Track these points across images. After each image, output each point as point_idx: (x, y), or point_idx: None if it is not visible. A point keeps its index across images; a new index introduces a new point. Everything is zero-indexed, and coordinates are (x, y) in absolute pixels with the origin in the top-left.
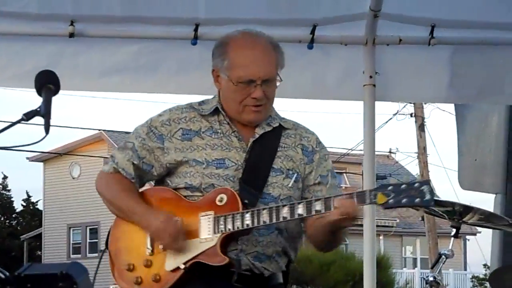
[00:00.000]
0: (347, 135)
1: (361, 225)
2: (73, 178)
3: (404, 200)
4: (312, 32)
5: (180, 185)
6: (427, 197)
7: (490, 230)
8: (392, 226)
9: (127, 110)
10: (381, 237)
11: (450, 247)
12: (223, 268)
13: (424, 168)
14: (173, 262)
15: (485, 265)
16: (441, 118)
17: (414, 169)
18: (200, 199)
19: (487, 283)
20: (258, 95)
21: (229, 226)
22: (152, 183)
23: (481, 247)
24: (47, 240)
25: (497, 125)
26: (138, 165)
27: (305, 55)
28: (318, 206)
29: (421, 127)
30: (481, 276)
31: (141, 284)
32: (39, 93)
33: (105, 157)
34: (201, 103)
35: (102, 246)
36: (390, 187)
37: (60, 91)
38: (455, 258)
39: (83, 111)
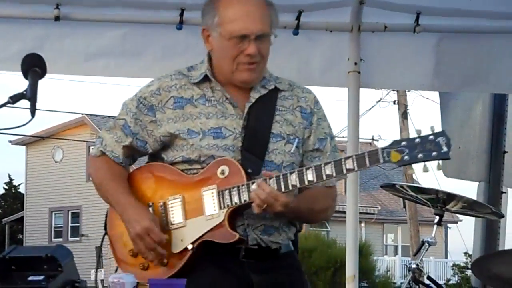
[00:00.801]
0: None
1: (343, 212)
2: (56, 162)
3: (420, 155)
4: (298, 18)
5: (176, 158)
6: (444, 149)
7: (472, 218)
8: (373, 214)
9: (110, 94)
10: (362, 225)
11: (433, 235)
12: (230, 244)
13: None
14: (180, 244)
15: (465, 253)
16: (424, 105)
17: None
18: (200, 172)
19: (468, 271)
20: (252, 51)
21: (235, 200)
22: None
23: (462, 235)
24: (28, 224)
25: (481, 114)
26: (130, 144)
27: (290, 41)
28: (328, 170)
29: (404, 115)
30: (462, 264)
31: (148, 269)
32: (25, 76)
33: (87, 141)
34: (190, 68)
35: (83, 230)
36: (403, 143)
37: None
38: (436, 246)
39: (66, 95)
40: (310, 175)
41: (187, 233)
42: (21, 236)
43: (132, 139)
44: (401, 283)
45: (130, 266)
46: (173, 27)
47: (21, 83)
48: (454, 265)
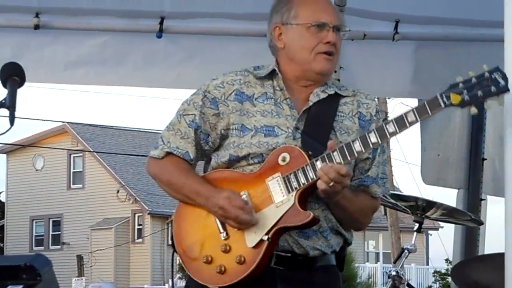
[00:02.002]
0: None
1: None
2: (37, 170)
3: (479, 93)
4: None
5: (224, 157)
6: (502, 82)
7: (452, 225)
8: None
9: (91, 102)
10: None
11: (413, 242)
12: (304, 225)
13: (387, 162)
14: (254, 237)
15: (446, 260)
16: None
17: None
18: (261, 166)
19: (449, 278)
20: (332, 39)
21: (302, 180)
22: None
23: (443, 242)
24: (9, 232)
25: (460, 121)
26: (196, 138)
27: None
28: (391, 128)
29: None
30: (443, 271)
31: (226, 272)
32: (4, 85)
33: (69, 149)
34: (256, 68)
35: (64, 239)
36: (460, 85)
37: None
38: (417, 253)
39: (46, 103)
40: (373, 138)
41: (259, 225)
42: (1, 244)
43: (197, 132)
44: None
45: (207, 275)
46: (153, 36)
47: (0, 92)
48: (435, 271)
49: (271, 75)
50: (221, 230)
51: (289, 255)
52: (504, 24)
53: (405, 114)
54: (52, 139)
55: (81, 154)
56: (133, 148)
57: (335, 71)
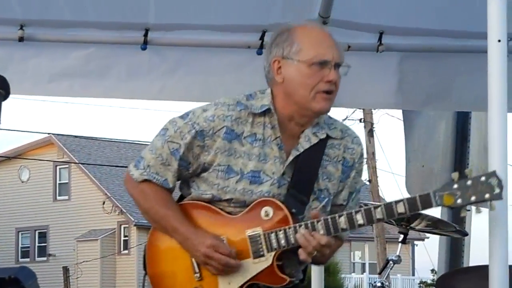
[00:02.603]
0: None
1: None
2: (22, 182)
3: (473, 198)
4: (261, 38)
5: (206, 194)
6: (496, 190)
7: (438, 236)
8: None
9: (77, 113)
10: None
11: (397, 253)
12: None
13: (373, 173)
14: (228, 287)
15: (432, 271)
16: (390, 123)
17: (363, 174)
18: (242, 213)
19: None
20: (333, 77)
21: (283, 243)
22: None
23: (429, 252)
24: None
25: (445, 132)
26: (177, 167)
27: (254, 61)
28: (378, 214)
29: (370, 133)
30: (429, 282)
31: None
32: None
33: (54, 161)
34: (249, 97)
35: (50, 250)
36: (455, 186)
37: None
38: (403, 264)
39: (32, 114)
40: (360, 219)
41: (235, 277)
42: None
43: (179, 162)
44: None
45: None
46: (138, 47)
47: None
48: (421, 282)
49: (265, 112)
50: (196, 271)
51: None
52: (488, 36)
53: (396, 203)
54: (38, 151)
55: (67, 166)
56: (119, 159)
57: None
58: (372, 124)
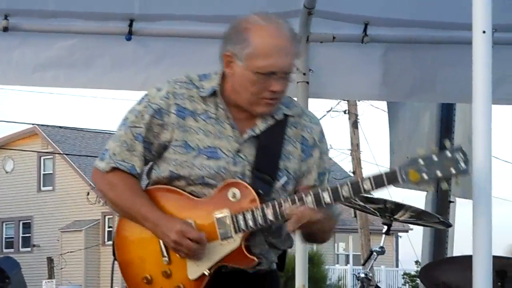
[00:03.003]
0: None
1: None
2: (6, 172)
3: (438, 173)
4: None
5: (165, 172)
6: (462, 165)
7: (422, 227)
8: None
9: (61, 104)
10: None
11: (381, 244)
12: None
13: (357, 164)
14: (196, 270)
15: (416, 262)
16: (375, 115)
17: (347, 166)
18: (210, 195)
19: (418, 279)
20: (278, 89)
21: (251, 224)
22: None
23: (412, 244)
24: None
25: (429, 123)
26: (142, 150)
27: None
28: (345, 192)
29: (354, 124)
30: (413, 273)
31: None
32: None
33: (39, 151)
34: (202, 77)
35: (35, 241)
36: (421, 161)
37: None
38: (387, 255)
39: (16, 105)
40: (327, 197)
41: (203, 259)
42: None
43: (143, 144)
44: None
45: None
46: (122, 38)
47: None
48: (405, 273)
49: (213, 94)
50: (164, 254)
51: (228, 270)
52: (473, 27)
53: (362, 181)
54: (22, 141)
55: (51, 156)
56: None
57: (304, 74)
58: (356, 115)
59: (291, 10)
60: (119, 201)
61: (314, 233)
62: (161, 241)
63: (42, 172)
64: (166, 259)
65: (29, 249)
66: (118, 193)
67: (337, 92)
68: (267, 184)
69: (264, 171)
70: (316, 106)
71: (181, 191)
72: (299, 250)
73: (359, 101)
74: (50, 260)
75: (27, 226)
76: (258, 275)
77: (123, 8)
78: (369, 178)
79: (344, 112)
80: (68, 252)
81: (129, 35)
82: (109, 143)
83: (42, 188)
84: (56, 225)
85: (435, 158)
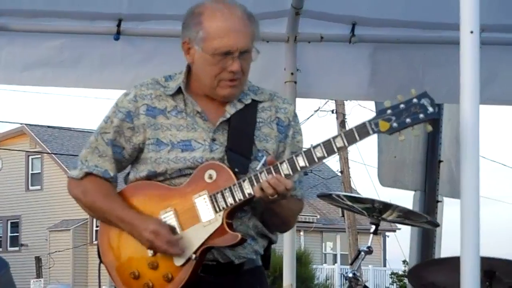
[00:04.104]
0: None
1: None
2: None
3: (408, 120)
4: None
5: (142, 173)
6: (430, 109)
7: (409, 227)
8: (312, 222)
9: (49, 104)
10: (301, 233)
11: (369, 244)
12: (233, 246)
13: (344, 164)
14: (182, 255)
15: (404, 262)
16: (362, 115)
17: (335, 165)
18: (187, 181)
19: (406, 279)
20: (236, 68)
21: (230, 201)
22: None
23: (400, 243)
24: None
25: None
26: (112, 155)
27: None
28: (318, 153)
29: (342, 124)
30: (400, 273)
31: None
32: None
33: (27, 151)
34: (168, 78)
35: (23, 240)
36: (389, 111)
37: None
38: (375, 255)
39: (4, 104)
40: (301, 162)
41: (187, 243)
42: None
43: (112, 147)
44: None
45: None
46: (110, 37)
47: None
48: (392, 273)
49: (179, 91)
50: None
51: (215, 263)
52: (460, 27)
53: (334, 138)
54: (10, 141)
55: (39, 156)
56: None
57: (292, 74)
58: (344, 115)
59: (278, 10)
60: (94, 206)
61: (281, 213)
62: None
63: (30, 172)
64: (151, 251)
65: (17, 248)
66: (93, 198)
67: (324, 92)
68: (242, 163)
69: (238, 151)
70: (304, 105)
71: (158, 183)
72: (287, 250)
73: (346, 101)
74: (38, 260)
75: (15, 226)
76: (244, 271)
77: (111, 8)
78: (340, 135)
79: (332, 111)
80: (56, 252)
81: (117, 35)
82: (82, 152)
83: (30, 188)
84: (44, 224)
85: (402, 106)
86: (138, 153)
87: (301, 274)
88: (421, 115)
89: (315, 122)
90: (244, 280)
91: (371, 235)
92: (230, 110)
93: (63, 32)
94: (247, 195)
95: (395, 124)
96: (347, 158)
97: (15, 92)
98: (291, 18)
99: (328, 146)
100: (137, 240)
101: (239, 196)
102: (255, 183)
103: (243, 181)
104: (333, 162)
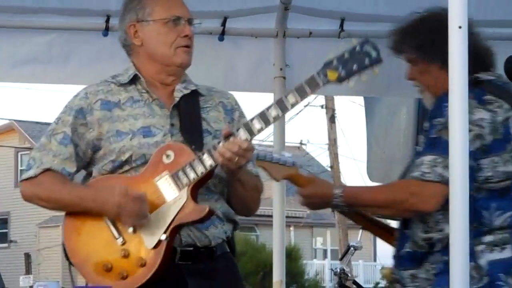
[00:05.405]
0: None
1: (272, 216)
2: None
3: (354, 67)
4: (223, 24)
5: (106, 165)
6: (373, 53)
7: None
8: (302, 217)
9: (39, 100)
10: (291, 228)
11: (358, 239)
12: (202, 219)
13: (334, 159)
14: (152, 238)
15: None
16: (352, 110)
17: (325, 160)
18: (146, 167)
19: None
20: (189, 32)
21: (192, 175)
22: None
23: None
24: None
25: (406, 118)
26: (69, 153)
27: (215, 47)
28: (273, 112)
29: (331, 119)
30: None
31: (129, 277)
32: None
33: (16, 147)
34: (115, 76)
35: (12, 237)
36: (335, 62)
37: None
38: (365, 250)
39: None
40: (257, 124)
41: (155, 225)
42: None
43: (68, 147)
44: (330, 287)
45: (110, 282)
46: (99, 34)
47: None
48: (382, 268)
49: (133, 80)
50: (117, 236)
51: (192, 249)
52: (448, 22)
53: (286, 96)
54: None
55: (28, 152)
56: None
57: (281, 69)
58: (333, 110)
59: (268, 6)
60: (53, 195)
61: (244, 187)
62: (110, 225)
63: (19, 168)
64: (120, 239)
65: (6, 244)
66: (51, 188)
67: None
68: (197, 143)
69: (191, 132)
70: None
71: (117, 175)
72: (277, 245)
73: (336, 96)
74: (27, 256)
75: (4, 222)
76: (218, 256)
77: (100, 4)
78: (291, 91)
79: (321, 106)
80: (45, 248)
81: (106, 31)
82: (34, 154)
83: (20, 184)
84: (34, 220)
85: (347, 55)
86: (94, 151)
87: (291, 269)
88: (367, 60)
89: (305, 117)
90: (219, 264)
91: (361, 230)
92: (178, 95)
93: (52, 28)
94: (208, 167)
95: (343, 72)
96: (336, 153)
97: (4, 88)
98: (280, 14)
99: (281, 104)
100: (103, 226)
101: (200, 169)
102: (213, 153)
103: (202, 154)
104: (323, 157)
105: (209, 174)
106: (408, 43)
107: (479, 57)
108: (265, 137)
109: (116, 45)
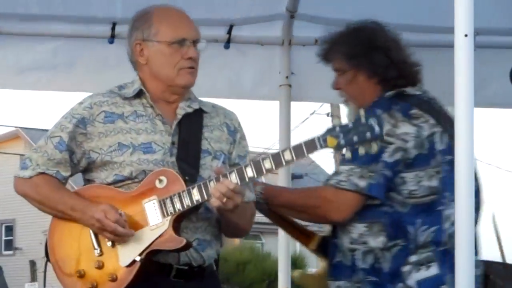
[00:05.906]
0: (263, 135)
1: None
2: None
3: (355, 138)
4: (229, 32)
5: (108, 178)
6: (377, 129)
7: None
8: (307, 225)
9: (45, 107)
10: None
11: None
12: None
13: (338, 166)
14: (128, 256)
15: None
16: None
17: (330, 168)
18: (138, 186)
19: None
20: (193, 54)
21: (178, 206)
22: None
23: None
24: None
25: None
26: (63, 158)
27: (221, 55)
28: (267, 164)
29: None
30: None
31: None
32: None
33: (22, 154)
34: (121, 87)
35: (17, 244)
36: (337, 129)
37: None
38: None
39: None
40: (250, 172)
41: (133, 245)
42: None
43: (63, 153)
44: None
45: None
46: (105, 41)
47: None
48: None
49: (138, 94)
50: (96, 247)
51: (187, 268)
52: (455, 30)
53: (283, 152)
54: (5, 144)
55: None
56: None
57: (286, 77)
58: (339, 118)
59: (273, 14)
60: (45, 199)
61: (235, 220)
62: (92, 234)
63: None
64: (98, 251)
65: (11, 252)
66: (44, 191)
67: (319, 95)
68: (193, 168)
69: (188, 156)
70: (299, 109)
71: (111, 186)
72: (282, 253)
73: (342, 104)
74: (32, 263)
75: (9, 229)
76: (207, 274)
77: (105, 11)
78: (289, 149)
79: (327, 114)
80: None
81: (112, 38)
82: (31, 154)
83: (14, 177)
84: (39, 227)
85: (350, 125)
86: (88, 163)
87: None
88: (368, 134)
89: (311, 125)
90: (208, 282)
91: None
92: (180, 112)
93: (57, 35)
94: (195, 202)
95: (342, 141)
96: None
97: (9, 95)
98: (286, 22)
99: (276, 159)
100: (85, 233)
101: (187, 202)
102: (203, 190)
103: (192, 188)
104: (328, 166)
105: (196, 207)
106: (338, 51)
107: (406, 72)
108: (270, 145)
109: (121, 53)
